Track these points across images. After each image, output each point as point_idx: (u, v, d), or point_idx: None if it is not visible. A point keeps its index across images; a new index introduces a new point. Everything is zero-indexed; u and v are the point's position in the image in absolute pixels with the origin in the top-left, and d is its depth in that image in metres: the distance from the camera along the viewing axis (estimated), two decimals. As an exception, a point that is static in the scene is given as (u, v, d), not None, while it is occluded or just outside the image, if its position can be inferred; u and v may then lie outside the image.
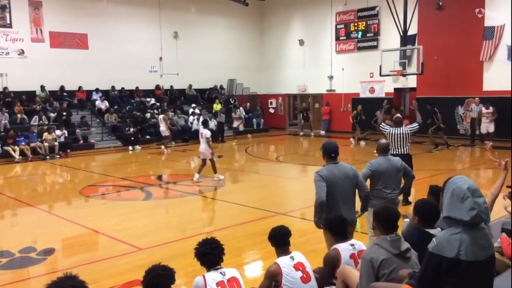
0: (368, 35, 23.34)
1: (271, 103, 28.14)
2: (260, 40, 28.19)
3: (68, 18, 21.21)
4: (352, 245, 4.21)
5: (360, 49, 23.67)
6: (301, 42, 26.09)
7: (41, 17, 20.64)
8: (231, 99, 26.02)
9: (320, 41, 25.31)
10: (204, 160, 12.12)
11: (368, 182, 5.78)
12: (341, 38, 24.47)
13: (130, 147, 19.22)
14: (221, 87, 26.70)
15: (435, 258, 2.78)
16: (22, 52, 20.13)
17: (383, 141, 6.46)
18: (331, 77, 24.95)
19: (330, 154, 5.12)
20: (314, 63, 25.55)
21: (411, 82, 21.03)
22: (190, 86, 25.21)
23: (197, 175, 12.01)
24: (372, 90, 23.16)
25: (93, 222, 8.51)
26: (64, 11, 21.19)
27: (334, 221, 4.37)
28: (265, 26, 28.26)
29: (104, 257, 6.76)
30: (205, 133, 11.82)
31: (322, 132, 24.05)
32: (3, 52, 19.69)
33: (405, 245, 3.60)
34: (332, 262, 4.13)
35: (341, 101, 24.42)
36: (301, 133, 23.91)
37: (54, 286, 2.80)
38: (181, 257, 6.06)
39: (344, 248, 4.15)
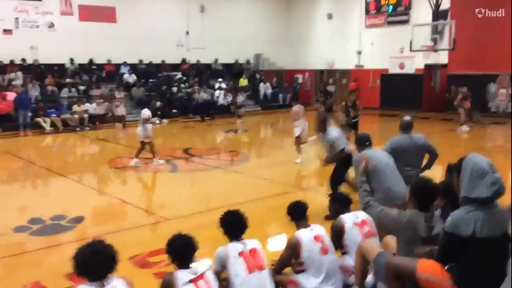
0: (398, 9, 22.75)
1: (297, 78, 27.90)
2: (288, 14, 27.80)
3: (96, -9, 21.38)
4: (355, 215, 4.50)
5: (390, 23, 23.13)
6: (330, 16, 25.64)
7: (70, -10, 20.84)
8: (257, 74, 25.94)
9: (349, 15, 24.82)
10: (142, 143, 10.90)
11: None
12: (371, 12, 23.93)
13: (157, 121, 19.42)
14: (248, 62, 26.60)
15: (451, 236, 2.80)
16: (51, 25, 20.42)
17: (407, 118, 6.39)
18: (359, 52, 24.52)
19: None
20: (343, 37, 25.11)
21: (443, 58, 20.52)
22: (216, 60, 25.19)
23: (134, 160, 10.84)
24: (401, 66, 22.70)
25: (120, 192, 8.74)
26: (93, -16, 21.34)
27: (340, 196, 4.73)
28: (293, 0, 27.82)
29: (130, 226, 6.97)
30: (142, 113, 10.85)
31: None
32: (33, 25, 20.01)
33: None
34: (337, 231, 4.40)
35: (369, 77, 24.05)
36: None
37: (84, 249, 2.95)
38: (205, 228, 6.17)
39: (348, 219, 4.43)
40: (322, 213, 4.50)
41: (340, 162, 7.06)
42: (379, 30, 23.60)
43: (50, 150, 15.05)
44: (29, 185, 10.19)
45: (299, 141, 11.15)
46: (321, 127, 7.59)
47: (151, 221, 7.09)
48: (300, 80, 27.70)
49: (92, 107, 18.69)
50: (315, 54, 26.64)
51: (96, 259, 2.89)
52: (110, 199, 8.41)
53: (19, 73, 19.16)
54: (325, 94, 23.34)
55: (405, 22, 22.14)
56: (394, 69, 22.97)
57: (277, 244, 5.96)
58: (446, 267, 3.00)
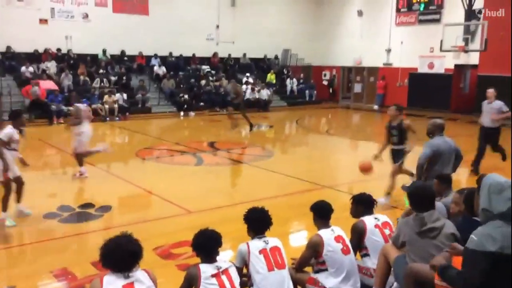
0: (430, 7, 22.39)
1: (325, 75, 27.79)
2: (317, 9, 27.65)
3: (129, -16, 21.72)
4: (376, 218, 4.53)
5: (421, 22, 22.79)
6: (360, 13, 25.41)
7: (105, -18, 21.25)
8: (284, 70, 25.95)
9: (380, 12, 24.55)
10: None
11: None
12: (401, 10, 23.62)
13: (182, 113, 19.71)
14: (276, 57, 26.62)
15: (479, 255, 2.74)
16: (86, 16, 20.86)
17: (440, 120, 6.38)
18: (388, 50, 24.26)
19: None
20: (372, 35, 24.87)
21: (473, 58, 20.14)
22: (245, 54, 25.30)
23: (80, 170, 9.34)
24: (431, 65, 22.36)
25: (147, 183, 8.94)
26: (126, -23, 21.68)
27: (362, 197, 4.69)
28: (323, -4, 27.65)
29: (155, 217, 7.16)
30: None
31: (375, 107, 23.62)
32: (68, 15, 20.48)
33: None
34: (358, 232, 4.42)
35: (397, 76, 23.78)
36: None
37: (111, 242, 3.09)
38: (228, 223, 6.29)
39: (369, 221, 4.46)
40: (341, 213, 4.54)
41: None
42: (409, 28, 23.28)
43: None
44: (59, 173, 10.51)
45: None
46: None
47: (175, 213, 7.26)
48: (327, 77, 27.61)
49: (122, 98, 19.06)
50: (343, 50, 26.47)
51: (121, 253, 3.00)
52: (136, 189, 8.63)
53: (53, 63, 19.66)
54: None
55: (437, 21, 21.79)
56: (423, 69, 22.66)
57: (298, 241, 6.05)
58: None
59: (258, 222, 3.95)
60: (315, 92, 25.66)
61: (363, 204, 4.64)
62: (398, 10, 23.76)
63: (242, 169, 10.70)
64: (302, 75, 26.21)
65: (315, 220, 4.31)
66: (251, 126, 15.49)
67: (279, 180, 9.54)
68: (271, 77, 24.51)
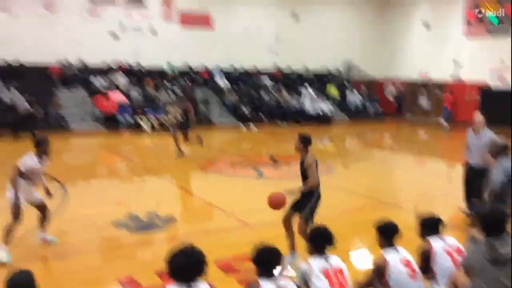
0: (501, 18, 21.37)
1: (388, 88, 27.14)
2: (381, 21, 27.08)
3: (196, -1, 22.46)
4: (444, 240, 4.30)
5: (491, 33, 21.78)
6: (426, 24, 24.67)
7: (172, -3, 22.09)
8: (346, 82, 25.66)
9: (446, 23, 23.71)
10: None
11: None
12: (470, 21, 22.72)
13: (243, 126, 19.95)
14: (338, 69, 26.38)
15: None
16: (154, 30, 21.70)
17: (502, 140, 6.10)
18: (456, 63, 23.37)
19: None
20: (438, 47, 24.00)
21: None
22: (305, 66, 25.26)
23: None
24: (502, 80, 21.29)
25: (208, 194, 9.11)
26: (193, -8, 22.43)
27: (430, 220, 4.47)
28: (387, 6, 27.10)
29: (217, 229, 7.27)
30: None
31: (443, 122, 22.66)
32: (137, 30, 21.41)
33: None
34: (424, 254, 4.23)
35: (466, 90, 22.82)
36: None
37: (176, 252, 3.19)
38: (288, 238, 6.29)
39: (436, 243, 4.25)
40: (405, 232, 4.39)
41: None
42: (479, 40, 22.32)
43: (146, 149, 16.01)
44: (126, 181, 10.95)
45: None
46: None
47: (237, 226, 7.35)
48: (392, 90, 26.94)
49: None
50: (408, 63, 25.75)
51: (186, 264, 3.11)
52: (198, 200, 8.82)
53: (122, 75, 20.59)
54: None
55: (508, 32, 20.76)
56: (493, 83, 21.60)
57: (360, 260, 5.93)
58: None
59: (320, 240, 3.92)
60: (378, 106, 25.09)
61: (425, 225, 4.45)
62: (466, 22, 22.88)
63: (302, 183, 10.63)
64: (364, 88, 25.77)
65: (379, 240, 4.21)
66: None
67: (341, 196, 9.40)
68: (332, 90, 24.30)
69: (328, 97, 23.29)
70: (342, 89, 24.94)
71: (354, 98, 24.65)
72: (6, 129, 15.66)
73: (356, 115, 23.80)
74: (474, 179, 7.20)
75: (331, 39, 25.05)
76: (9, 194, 5.89)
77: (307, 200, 5.72)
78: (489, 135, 7.38)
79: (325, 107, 22.22)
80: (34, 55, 18.76)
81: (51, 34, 19.25)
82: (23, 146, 8.26)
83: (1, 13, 18.66)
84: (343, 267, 3.84)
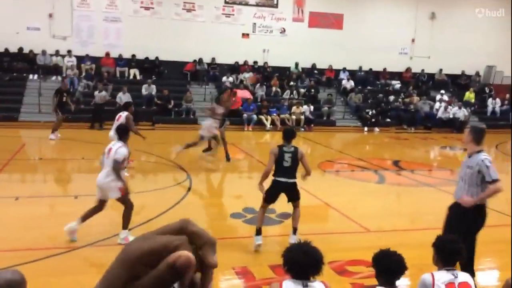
0: None
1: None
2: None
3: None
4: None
5: None
6: None
7: (304, -3, 22.21)
8: (486, 88, 23.56)
9: None
10: None
11: None
12: None
13: (366, 128, 19.34)
14: (477, 74, 24.34)
15: None
16: (283, 31, 22.04)
17: None
18: None
19: None
20: None
21: None
22: (441, 70, 23.71)
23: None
24: None
25: (326, 195, 8.94)
26: (325, -8, 22.31)
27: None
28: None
29: (333, 230, 7.10)
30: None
31: None
32: (267, 30, 21.91)
33: None
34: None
35: None
36: None
37: (295, 248, 3.16)
38: (408, 247, 5.84)
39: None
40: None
41: None
42: None
43: (268, 145, 16.27)
44: (245, 176, 11.22)
45: None
46: None
47: (353, 230, 7.09)
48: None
49: (308, 109, 19.60)
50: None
51: (304, 260, 3.05)
52: (315, 200, 8.68)
53: (250, 74, 21.23)
54: None
55: None
56: None
57: (489, 281, 5.35)
58: None
59: (449, 252, 3.56)
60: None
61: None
62: None
63: (427, 192, 9.96)
64: (507, 95, 23.41)
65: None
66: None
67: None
68: (469, 95, 22.49)
69: (464, 102, 21.60)
70: (481, 95, 22.99)
71: (495, 105, 22.55)
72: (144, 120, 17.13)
73: (495, 123, 21.73)
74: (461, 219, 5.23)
75: (471, 41, 23.21)
76: None
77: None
78: (480, 158, 5.07)
79: (460, 113, 20.63)
80: (172, 54, 20.19)
81: (188, 34, 20.50)
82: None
83: (146, 13, 20.39)
84: (472, 283, 3.44)
